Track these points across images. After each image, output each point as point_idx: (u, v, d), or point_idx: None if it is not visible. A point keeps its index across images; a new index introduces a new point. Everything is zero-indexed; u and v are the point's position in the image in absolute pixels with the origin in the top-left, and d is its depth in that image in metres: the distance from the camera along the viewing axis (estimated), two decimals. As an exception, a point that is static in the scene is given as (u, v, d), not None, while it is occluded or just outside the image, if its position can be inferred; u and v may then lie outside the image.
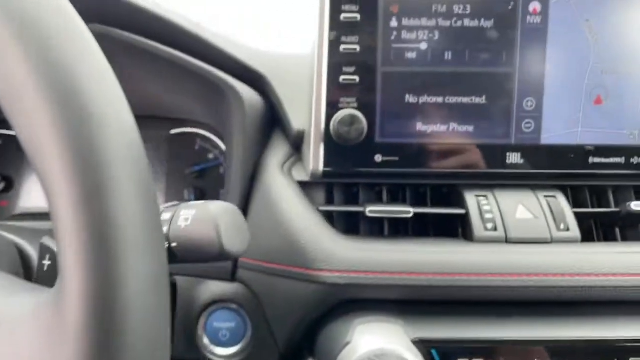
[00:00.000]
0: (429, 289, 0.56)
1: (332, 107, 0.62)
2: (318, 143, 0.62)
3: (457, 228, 0.64)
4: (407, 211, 0.61)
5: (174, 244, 0.42)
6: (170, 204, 0.47)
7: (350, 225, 0.68)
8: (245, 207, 0.66)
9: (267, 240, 0.62)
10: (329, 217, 0.67)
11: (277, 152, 0.68)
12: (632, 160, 0.64)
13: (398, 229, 0.67)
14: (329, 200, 0.68)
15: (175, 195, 0.87)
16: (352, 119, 0.59)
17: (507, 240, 0.60)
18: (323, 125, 0.62)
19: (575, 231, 0.60)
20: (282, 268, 0.60)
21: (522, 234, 0.60)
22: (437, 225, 0.66)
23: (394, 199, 0.69)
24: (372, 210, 0.61)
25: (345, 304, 0.59)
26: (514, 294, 0.56)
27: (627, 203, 0.62)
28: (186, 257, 0.43)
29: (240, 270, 0.65)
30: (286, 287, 0.60)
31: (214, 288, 0.67)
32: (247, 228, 0.44)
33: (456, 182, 0.65)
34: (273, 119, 0.72)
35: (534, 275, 0.56)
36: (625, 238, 0.68)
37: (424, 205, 0.68)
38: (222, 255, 0.41)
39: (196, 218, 0.42)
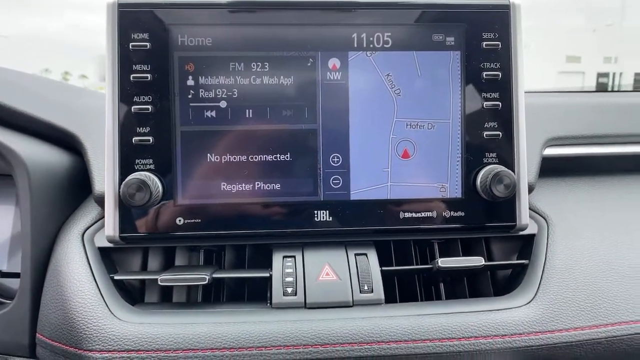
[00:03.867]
0: (209, 367, 0.52)
1: (126, 170, 0.59)
2: (112, 207, 0.59)
3: (267, 291, 0.60)
4: (203, 277, 0.57)
5: None
6: None
7: (166, 291, 0.64)
8: (42, 279, 0.61)
9: (54, 316, 0.57)
10: (143, 284, 0.63)
11: (84, 217, 0.64)
12: (444, 214, 0.62)
13: (218, 292, 0.64)
14: (145, 264, 0.64)
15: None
16: (140, 185, 0.56)
17: (306, 306, 0.56)
18: (116, 189, 0.59)
19: (378, 293, 0.57)
20: (61, 347, 0.54)
21: (323, 299, 0.57)
22: (253, 284, 0.63)
23: (210, 260, 0.66)
24: (165, 279, 0.57)
25: None
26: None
27: (436, 260, 0.60)
28: None
29: (38, 347, 0.60)
30: (66, 369, 0.55)
31: (17, 367, 0.61)
32: None
33: (267, 242, 0.63)
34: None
35: (323, 347, 0.53)
36: (453, 293, 0.66)
37: (243, 267, 0.65)
38: None
39: None
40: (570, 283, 0.58)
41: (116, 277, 0.59)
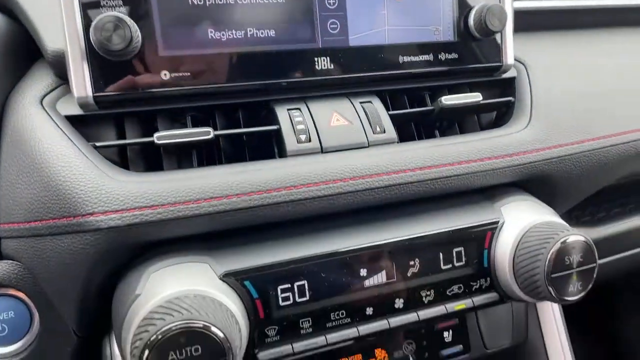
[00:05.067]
0: (236, 214, 0.47)
1: (90, 12, 0.48)
2: (79, 60, 0.48)
3: (274, 147, 0.56)
4: (206, 132, 0.51)
5: None
6: None
7: (151, 163, 0.56)
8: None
9: (25, 193, 0.47)
10: (123, 159, 0.54)
11: (35, 84, 0.52)
12: (439, 56, 0.62)
13: (211, 159, 0.58)
14: (121, 136, 0.55)
15: None
16: (117, 24, 0.46)
17: (323, 150, 0.54)
18: (82, 36, 0.48)
19: (391, 133, 0.57)
20: (46, 224, 0.45)
21: (338, 142, 0.55)
22: (253, 149, 0.58)
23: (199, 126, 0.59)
24: (162, 136, 0.50)
25: (145, 251, 0.48)
26: (332, 203, 0.51)
27: (439, 99, 0.60)
28: None
29: (3, 241, 0.50)
30: (57, 249, 0.46)
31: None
32: None
33: (265, 98, 0.57)
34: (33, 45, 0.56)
35: (350, 180, 0.51)
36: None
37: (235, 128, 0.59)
38: None
39: None
40: (556, 109, 0.63)
41: (99, 144, 0.50)
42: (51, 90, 0.52)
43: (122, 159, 0.54)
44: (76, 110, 0.51)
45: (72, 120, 0.51)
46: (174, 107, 0.55)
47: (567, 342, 0.66)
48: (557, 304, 0.68)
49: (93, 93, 0.49)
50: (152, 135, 0.52)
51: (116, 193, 0.45)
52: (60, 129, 0.49)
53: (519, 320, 0.65)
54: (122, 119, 0.55)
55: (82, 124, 0.53)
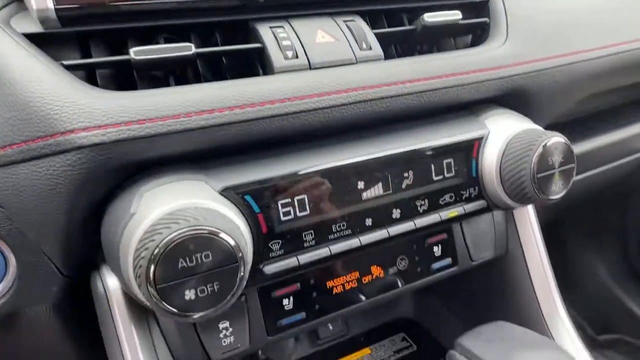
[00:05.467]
0: (229, 128, 0.45)
1: None
2: (36, -34, 0.43)
3: (257, 67, 0.54)
4: (187, 46, 0.47)
5: None
6: None
7: (124, 84, 0.51)
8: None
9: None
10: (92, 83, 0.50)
11: (-16, 0, 0.46)
12: (417, -25, 0.61)
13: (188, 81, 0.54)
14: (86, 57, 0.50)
15: None
16: None
17: (311, 67, 0.52)
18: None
19: (377, 50, 0.56)
20: (18, 148, 0.41)
21: (326, 58, 0.53)
22: (234, 69, 0.55)
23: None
24: (140, 51, 0.46)
25: (133, 173, 0.45)
26: (325, 116, 0.50)
27: (421, 17, 0.60)
28: None
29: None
30: (34, 176, 0.42)
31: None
32: None
33: (243, 17, 0.54)
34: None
35: (343, 92, 0.50)
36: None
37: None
38: None
39: None
40: (531, 27, 0.65)
41: (67, 63, 0.45)
42: (2, 7, 0.47)
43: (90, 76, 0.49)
44: (35, 28, 0.46)
45: (31, 38, 0.46)
46: (145, 25, 0.50)
47: (544, 252, 0.70)
48: (534, 219, 0.72)
49: (55, 5, 0.44)
50: (125, 55, 0.48)
51: (98, 108, 0.41)
52: (22, 46, 0.44)
53: (500, 234, 0.69)
54: (87, 42, 0.50)
55: (43, 44, 0.47)
